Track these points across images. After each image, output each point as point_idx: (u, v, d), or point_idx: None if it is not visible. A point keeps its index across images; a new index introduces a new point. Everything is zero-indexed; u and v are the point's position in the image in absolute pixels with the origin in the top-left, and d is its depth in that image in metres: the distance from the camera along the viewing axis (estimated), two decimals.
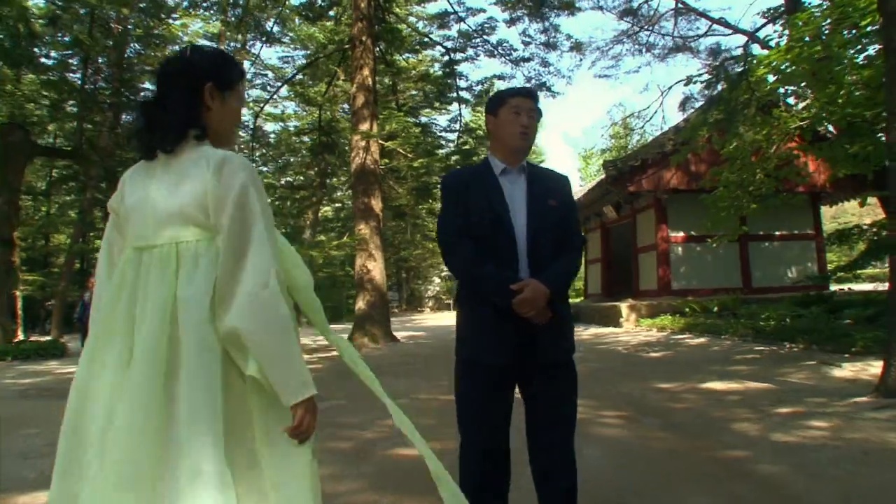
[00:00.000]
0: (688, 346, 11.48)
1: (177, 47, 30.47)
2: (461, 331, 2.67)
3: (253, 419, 1.70)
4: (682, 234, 19.21)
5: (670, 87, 17.37)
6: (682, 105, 15.27)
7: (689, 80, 9.17)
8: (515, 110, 2.65)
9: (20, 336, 18.64)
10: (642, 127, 19.64)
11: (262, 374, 1.63)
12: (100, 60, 23.69)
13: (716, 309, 16.24)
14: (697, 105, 15.99)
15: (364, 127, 16.33)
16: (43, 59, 25.32)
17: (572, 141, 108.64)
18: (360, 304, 16.61)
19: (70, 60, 23.42)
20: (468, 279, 2.60)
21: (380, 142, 16.96)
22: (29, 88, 25.07)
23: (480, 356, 2.54)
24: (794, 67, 8.94)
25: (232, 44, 34.54)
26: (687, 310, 16.60)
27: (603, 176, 24.93)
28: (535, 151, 55.61)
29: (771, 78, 9.95)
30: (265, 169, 39.67)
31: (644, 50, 18.71)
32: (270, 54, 56.07)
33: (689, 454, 4.28)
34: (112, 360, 1.67)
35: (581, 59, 20.93)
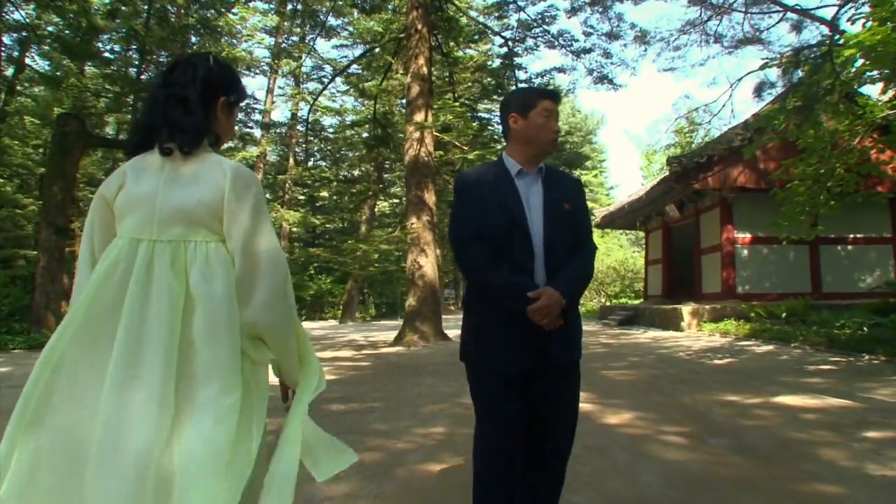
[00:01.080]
0: (754, 354, 10.70)
1: (234, 41, 30.82)
2: (470, 335, 2.64)
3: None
4: (748, 235, 18.37)
5: (740, 79, 16.32)
6: (758, 91, 14.35)
7: (764, 65, 8.38)
8: (547, 114, 2.62)
9: None
10: (709, 121, 18.61)
11: (275, 361, 1.88)
12: (160, 53, 23.80)
13: (783, 314, 15.28)
14: (774, 92, 15.04)
15: (419, 118, 15.86)
16: (107, 55, 25.78)
17: (634, 138, 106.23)
18: (411, 301, 16.16)
19: (128, 53, 23.61)
20: (482, 284, 2.55)
21: (435, 133, 16.46)
22: (92, 82, 25.46)
23: (494, 363, 2.52)
24: (882, 48, 8.08)
25: (289, 38, 34.78)
26: (752, 315, 15.72)
27: (666, 173, 24.13)
28: (596, 150, 54.75)
29: (858, 62, 9.10)
30: (323, 163, 39.78)
31: (712, 41, 17.75)
32: (327, 48, 56.37)
33: (765, 485, 3.64)
34: (101, 352, 1.68)
35: (645, 51, 20.10)
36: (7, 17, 22.32)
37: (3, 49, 26.27)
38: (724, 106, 20.85)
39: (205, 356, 1.68)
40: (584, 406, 5.99)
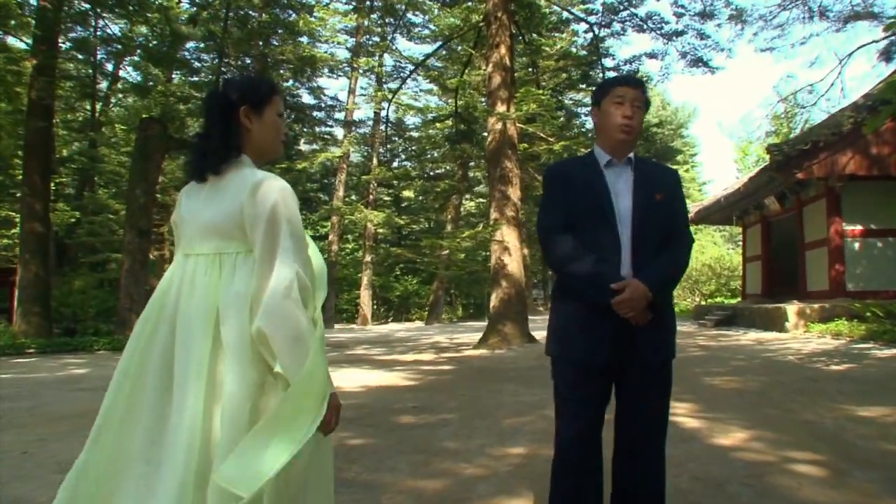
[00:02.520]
0: (877, 359, 9.58)
1: (314, 41, 30.85)
2: (555, 328, 2.60)
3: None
4: (859, 227, 16.96)
5: (852, 53, 15.05)
6: (885, 54, 12.95)
7: (892, 24, 7.30)
8: (619, 100, 2.55)
9: None
10: (814, 103, 17.28)
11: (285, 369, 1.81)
12: (240, 56, 24.00)
13: None
14: None
15: (501, 109, 15.18)
16: (194, 63, 26.27)
17: (728, 131, 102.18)
18: (495, 302, 15.50)
19: (205, 56, 23.95)
20: (567, 274, 2.53)
21: (518, 125, 15.74)
22: (179, 90, 25.94)
23: (577, 356, 2.48)
24: None
25: (370, 38, 34.66)
26: (868, 314, 14.36)
27: (763, 164, 22.63)
28: (688, 143, 52.75)
29: None
30: (407, 164, 39.58)
31: (816, 16, 16.41)
32: (409, 46, 56.28)
33: None
34: (153, 358, 1.93)
35: (742, 30, 18.82)
36: (101, 32, 23.13)
37: (97, 62, 27.19)
38: (832, 85, 19.34)
39: (230, 366, 1.81)
40: (688, 420, 5.22)
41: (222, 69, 23.54)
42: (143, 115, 20.92)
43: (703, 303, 27.57)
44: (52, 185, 28.21)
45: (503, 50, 15.51)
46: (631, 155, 2.60)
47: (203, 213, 1.95)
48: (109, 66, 31.15)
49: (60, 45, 22.82)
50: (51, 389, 8.65)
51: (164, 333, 1.91)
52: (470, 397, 6.98)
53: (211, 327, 1.84)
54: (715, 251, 38.29)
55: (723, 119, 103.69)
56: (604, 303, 2.36)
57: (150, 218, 18.67)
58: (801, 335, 14.72)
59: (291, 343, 1.77)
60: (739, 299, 24.88)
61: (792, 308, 15.84)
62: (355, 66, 32.81)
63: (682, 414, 5.60)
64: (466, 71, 21.16)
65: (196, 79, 26.64)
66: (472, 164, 31.48)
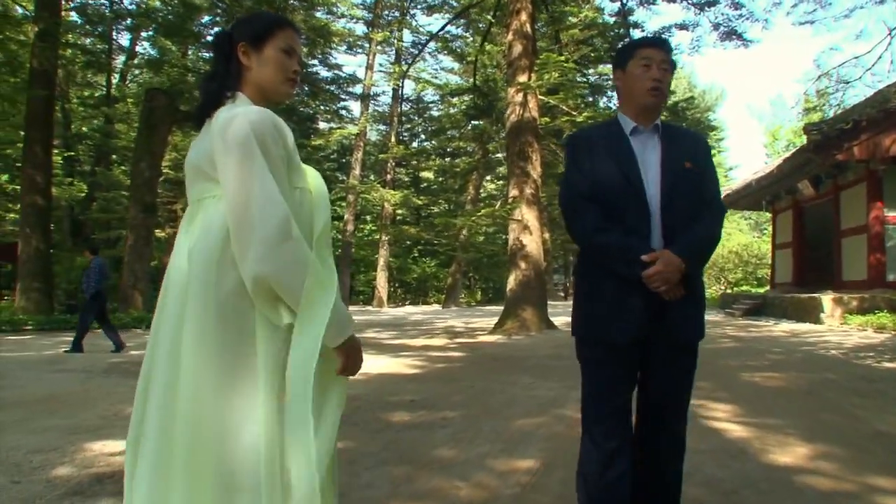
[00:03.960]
0: None
1: (330, 16, 30.06)
2: (580, 305, 2.44)
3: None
4: None
5: None
6: None
7: None
8: (645, 62, 2.38)
9: None
10: (859, 77, 16.11)
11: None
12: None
13: None
14: None
15: (522, 79, 14.25)
16: (210, 37, 25.55)
17: (757, 114, 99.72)
18: (512, 284, 14.67)
19: (219, 29, 23.39)
20: (592, 247, 2.39)
21: (539, 96, 14.80)
22: (194, 64, 25.27)
23: (603, 333, 2.32)
24: None
25: (390, 13, 33.76)
26: None
27: (794, 148, 21.53)
28: (715, 127, 51.11)
29: None
30: (427, 144, 38.73)
31: None
32: (429, 21, 54.98)
33: None
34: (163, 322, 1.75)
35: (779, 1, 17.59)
36: (117, 5, 22.60)
37: (111, 36, 26.69)
38: (879, 58, 18.04)
39: (191, 327, 1.65)
40: (732, 428, 4.39)
41: None
42: (149, 88, 20.18)
43: (729, 291, 26.57)
44: (62, 159, 27.96)
45: (524, 17, 14.56)
46: (658, 121, 2.45)
47: (190, 159, 1.82)
48: (125, 42, 30.94)
49: (69, 15, 22.50)
50: (29, 371, 8.06)
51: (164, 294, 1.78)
52: (478, 390, 6.17)
53: (184, 286, 1.69)
54: (742, 238, 37.18)
55: (752, 102, 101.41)
56: (634, 276, 2.21)
57: (155, 192, 18.07)
58: (839, 327, 13.83)
59: (299, 283, 1.61)
60: (768, 288, 23.92)
61: (828, 298, 14.93)
62: (372, 39, 31.89)
63: (724, 419, 4.77)
64: (486, 44, 20.15)
65: (210, 54, 25.87)
66: (492, 144, 30.43)
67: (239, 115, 1.69)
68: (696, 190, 2.36)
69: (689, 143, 2.47)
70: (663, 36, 20.18)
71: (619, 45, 2.89)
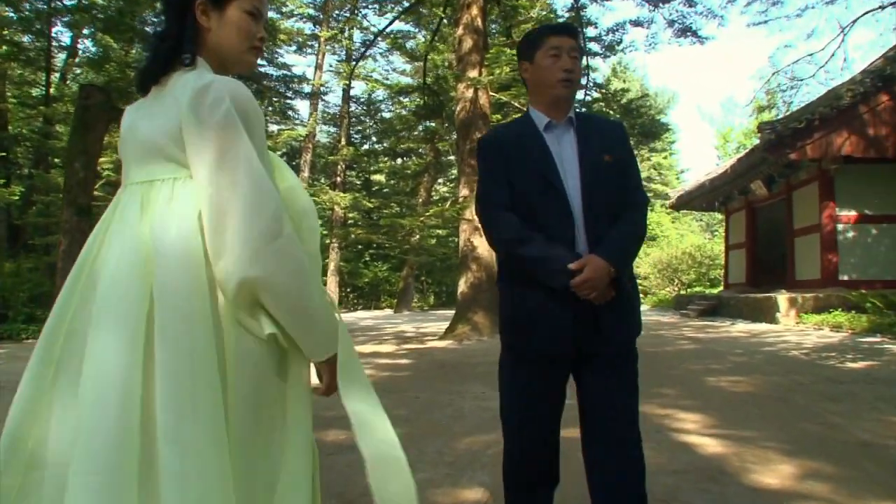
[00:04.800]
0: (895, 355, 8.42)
1: (279, 15, 29.36)
2: (506, 315, 2.30)
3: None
4: (853, 212, 15.90)
5: (855, 21, 13.68)
6: None
7: None
8: (554, 52, 2.23)
9: None
10: (813, 75, 16.02)
11: (283, 330, 1.42)
12: None
13: None
14: None
15: (472, 74, 13.77)
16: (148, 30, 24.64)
17: (708, 116, 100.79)
18: (463, 287, 14.13)
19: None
20: (516, 259, 2.20)
21: (490, 92, 14.30)
22: (134, 59, 24.30)
23: (532, 344, 2.19)
24: None
25: (340, 13, 33.12)
26: (868, 305, 13.25)
27: (745, 150, 21.50)
28: (669, 128, 51.45)
29: None
30: (379, 146, 38.14)
31: None
32: (381, 21, 54.19)
33: None
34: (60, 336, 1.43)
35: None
36: (56, 2, 21.60)
37: (52, 36, 25.65)
38: (832, 55, 17.98)
39: (160, 334, 1.33)
40: (705, 442, 3.94)
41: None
42: (83, 84, 19.29)
43: (683, 292, 26.49)
44: None
45: (475, 11, 14.07)
46: (571, 114, 2.30)
47: (137, 133, 1.52)
48: (67, 40, 29.75)
49: (4, 11, 21.44)
50: None
51: (77, 299, 1.44)
52: (424, 402, 5.65)
53: (137, 286, 1.35)
54: (695, 239, 37.31)
55: (702, 104, 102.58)
56: (561, 286, 2.09)
57: (91, 194, 17.10)
58: (795, 327, 13.65)
59: (296, 283, 1.40)
60: (721, 289, 23.85)
61: (783, 298, 14.76)
62: (321, 37, 31.23)
63: (694, 431, 4.32)
64: (436, 42, 19.64)
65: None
66: (442, 143, 29.92)
67: (214, 85, 1.43)
68: (618, 184, 2.24)
69: (607, 134, 2.33)
70: (619, 43, 20.09)
71: (524, 35, 2.46)
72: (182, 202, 1.42)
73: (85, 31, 25.91)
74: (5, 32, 22.56)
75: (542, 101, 2.29)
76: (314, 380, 1.58)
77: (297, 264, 1.40)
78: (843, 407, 5.03)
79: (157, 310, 1.34)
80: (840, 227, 15.81)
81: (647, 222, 2.42)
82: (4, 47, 22.34)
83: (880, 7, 8.88)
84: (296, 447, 1.49)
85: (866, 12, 14.64)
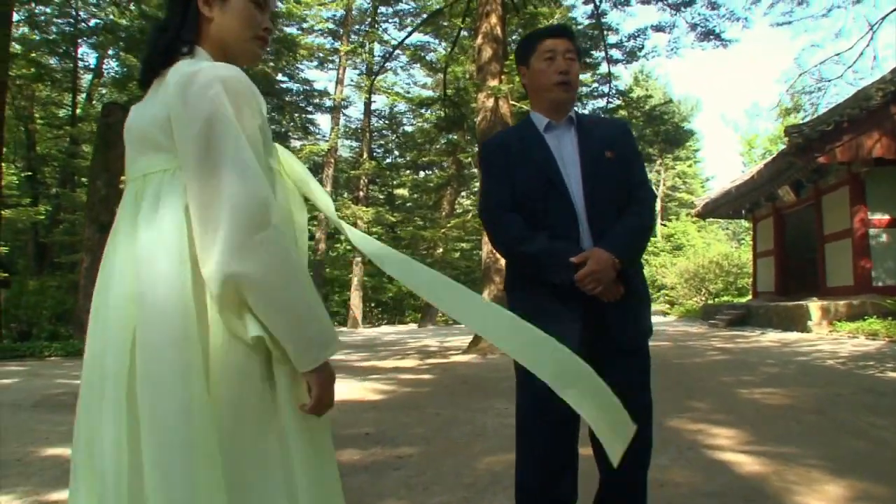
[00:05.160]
0: None
1: (299, 30, 29.48)
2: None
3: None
4: (886, 216, 15.50)
5: (884, 18, 13.27)
6: None
7: None
8: (549, 55, 2.28)
9: None
10: (841, 75, 15.65)
11: (269, 332, 1.32)
12: None
13: None
14: None
15: (492, 84, 13.58)
16: None
17: (732, 123, 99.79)
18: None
19: None
20: (518, 259, 2.26)
21: (511, 101, 14.11)
22: None
23: None
24: None
25: (360, 27, 33.21)
26: None
27: (770, 156, 21.07)
28: (694, 134, 50.98)
29: None
30: (401, 159, 38.11)
31: None
32: (401, 36, 54.46)
33: None
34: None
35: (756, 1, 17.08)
36: (83, 24, 21.88)
37: (76, 54, 25.96)
38: (861, 54, 17.60)
39: (141, 340, 1.29)
40: (741, 459, 3.69)
41: None
42: (106, 103, 19.45)
43: (711, 302, 26.03)
44: (17, 179, 27.06)
45: (494, 19, 13.90)
46: (572, 114, 2.34)
47: (132, 126, 1.48)
48: (92, 61, 30.14)
49: (33, 34, 21.77)
50: None
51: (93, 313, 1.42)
52: (444, 419, 5.44)
53: (127, 291, 1.34)
54: (722, 248, 36.74)
55: (726, 112, 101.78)
56: (566, 281, 2.08)
57: (113, 211, 16.98)
58: (828, 335, 13.24)
59: (285, 281, 1.30)
60: (749, 297, 23.40)
61: (815, 306, 14.36)
62: (341, 51, 31.34)
63: (729, 447, 4.07)
64: (456, 51, 19.50)
65: None
66: (464, 155, 29.76)
67: (204, 70, 1.38)
68: (620, 180, 2.25)
69: (608, 131, 2.35)
70: (641, 49, 19.86)
71: (520, 40, 2.55)
72: (169, 197, 1.37)
73: (110, 52, 26.26)
74: (32, 55, 22.82)
75: (542, 105, 2.33)
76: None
77: (283, 257, 1.31)
78: (889, 421, 4.74)
79: (138, 332, 1.30)
80: (872, 231, 15.43)
81: (655, 216, 2.41)
82: (32, 69, 22.56)
83: None
84: (302, 459, 1.38)
85: (894, 9, 14.29)
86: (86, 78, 31.49)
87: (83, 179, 29.58)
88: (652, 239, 45.71)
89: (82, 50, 28.14)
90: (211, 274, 1.28)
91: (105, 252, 1.48)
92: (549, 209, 2.19)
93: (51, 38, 21.68)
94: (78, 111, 29.69)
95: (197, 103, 1.33)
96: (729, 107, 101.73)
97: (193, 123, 1.32)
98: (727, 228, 49.90)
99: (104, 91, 31.70)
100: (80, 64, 29.40)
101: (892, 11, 14.18)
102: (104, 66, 30.59)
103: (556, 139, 2.29)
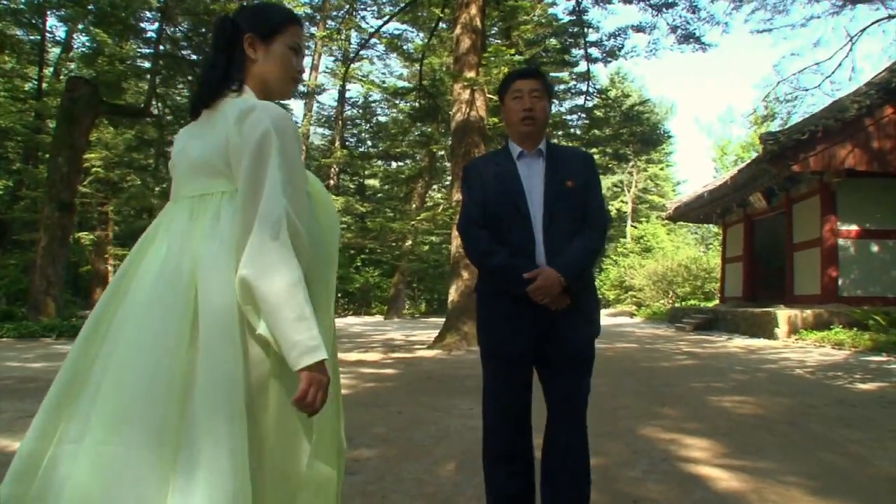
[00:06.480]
0: None
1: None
2: (480, 322, 2.65)
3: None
4: (854, 227, 15.56)
5: (864, 30, 13.34)
6: None
7: None
8: (517, 94, 2.60)
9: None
10: (818, 85, 15.68)
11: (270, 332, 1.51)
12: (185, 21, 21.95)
13: None
14: None
15: (469, 75, 13.32)
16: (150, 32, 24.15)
17: (706, 128, 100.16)
18: (454, 296, 13.64)
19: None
20: (484, 269, 2.59)
21: (487, 94, 13.87)
22: (126, 55, 23.80)
23: (497, 347, 2.54)
24: None
25: (338, 13, 32.72)
26: (870, 322, 12.87)
27: (742, 163, 21.13)
28: (669, 135, 51.08)
29: None
30: (374, 149, 37.72)
31: None
32: (379, 24, 53.98)
33: None
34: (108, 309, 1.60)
35: (740, 4, 17.07)
36: None
37: (47, 29, 25.23)
38: (839, 65, 17.64)
39: (203, 340, 1.49)
40: (716, 474, 3.52)
41: (166, 34, 21.43)
42: (70, 77, 18.81)
43: (678, 305, 26.10)
44: None
45: (474, 10, 13.63)
46: (542, 146, 2.63)
47: (189, 151, 1.69)
48: (61, 34, 29.28)
49: None
50: None
51: (116, 304, 1.58)
52: (407, 419, 5.21)
53: (182, 294, 1.52)
54: (690, 251, 36.91)
55: (700, 114, 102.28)
56: (520, 292, 2.40)
57: (74, 190, 16.66)
58: (794, 343, 13.23)
59: (281, 289, 1.47)
60: (717, 302, 23.47)
61: (782, 313, 14.35)
62: (317, 38, 30.86)
63: (704, 460, 3.89)
64: (433, 40, 19.16)
65: (148, 49, 24.54)
66: (436, 146, 29.46)
67: (258, 109, 1.60)
68: (577, 207, 2.53)
69: (572, 162, 2.63)
70: (619, 48, 19.74)
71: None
72: (228, 215, 1.58)
73: (80, 26, 25.49)
74: None
75: (514, 136, 2.64)
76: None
77: (284, 268, 1.49)
78: (864, 435, 4.60)
79: (201, 322, 1.50)
80: (841, 241, 15.48)
81: (607, 238, 2.80)
82: None
83: (888, 17, 8.52)
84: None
85: (874, 22, 14.30)
86: (54, 52, 30.63)
87: (47, 156, 28.87)
88: (621, 240, 45.57)
89: (51, 22, 27.31)
90: (238, 276, 1.49)
91: (133, 255, 1.65)
92: (513, 228, 2.50)
93: (17, 6, 20.87)
94: (44, 85, 28.82)
95: (250, 136, 1.55)
96: (703, 111, 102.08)
97: (246, 151, 1.55)
98: (696, 233, 50.15)
99: (73, 66, 30.87)
100: (49, 36, 28.55)
101: (870, 25, 14.20)
102: (73, 41, 29.75)
103: (527, 167, 2.59)
